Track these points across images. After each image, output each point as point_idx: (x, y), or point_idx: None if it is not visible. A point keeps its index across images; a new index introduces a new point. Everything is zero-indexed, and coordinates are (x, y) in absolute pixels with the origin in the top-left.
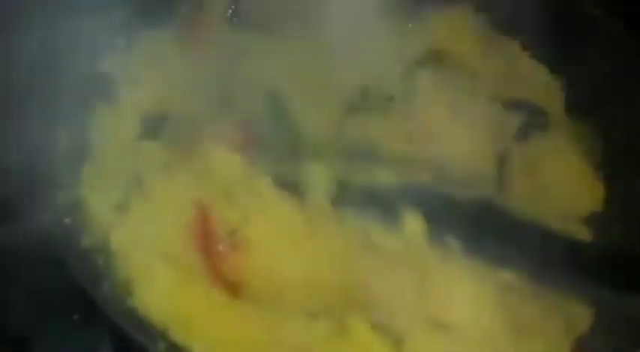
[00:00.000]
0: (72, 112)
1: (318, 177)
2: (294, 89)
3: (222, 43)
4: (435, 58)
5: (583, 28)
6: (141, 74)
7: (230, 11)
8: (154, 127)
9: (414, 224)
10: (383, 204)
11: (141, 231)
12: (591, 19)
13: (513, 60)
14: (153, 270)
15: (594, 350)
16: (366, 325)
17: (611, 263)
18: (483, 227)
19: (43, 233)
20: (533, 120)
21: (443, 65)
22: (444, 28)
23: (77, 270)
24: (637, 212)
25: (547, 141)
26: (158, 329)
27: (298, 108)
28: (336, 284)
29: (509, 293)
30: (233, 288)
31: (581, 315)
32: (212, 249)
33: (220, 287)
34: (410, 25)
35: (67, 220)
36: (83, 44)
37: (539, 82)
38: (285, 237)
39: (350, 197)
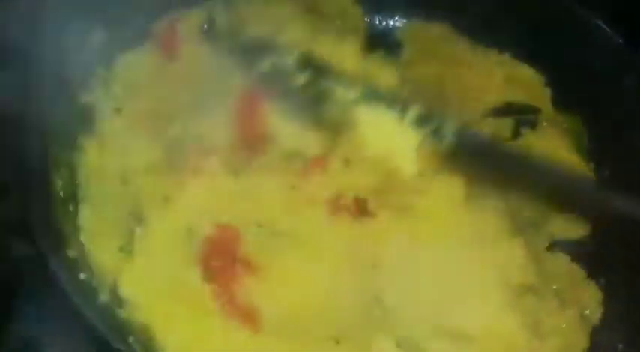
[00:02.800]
0: (60, 149)
1: None
2: None
3: (199, 58)
4: None
5: (564, 24)
6: (123, 102)
7: (205, 26)
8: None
9: None
10: None
11: (150, 274)
12: (571, 14)
13: (496, 66)
14: (170, 315)
15: (609, 341)
16: (390, 343)
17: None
18: None
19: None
20: (524, 118)
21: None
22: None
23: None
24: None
25: (537, 138)
26: None
27: None
28: (355, 303)
29: (522, 295)
30: (250, 318)
31: (592, 302)
32: (227, 273)
33: (237, 316)
34: None
35: (81, 276)
36: (63, 76)
37: (525, 82)
38: (301, 255)
39: None
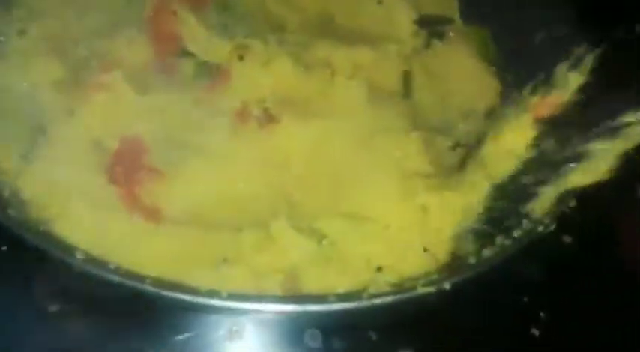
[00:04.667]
0: None
1: None
2: None
3: None
4: None
5: None
6: (28, 25)
7: None
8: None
9: None
10: None
11: (51, 178)
12: None
13: None
14: (70, 210)
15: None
16: (289, 230)
17: None
18: None
19: None
20: (434, 31)
21: None
22: None
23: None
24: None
25: (447, 48)
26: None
27: None
28: (260, 197)
29: (417, 181)
30: (152, 214)
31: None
32: (131, 179)
33: (140, 213)
34: None
35: None
36: None
37: None
38: (207, 162)
39: None
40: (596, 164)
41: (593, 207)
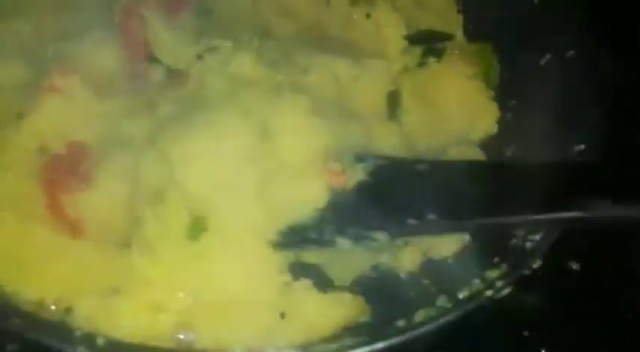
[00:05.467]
0: None
1: None
2: None
3: None
4: None
5: None
6: None
7: None
8: None
9: None
10: None
11: None
12: None
13: None
14: None
15: None
16: None
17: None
18: None
19: None
20: (431, 48)
21: None
22: None
23: None
24: (530, 130)
25: (443, 66)
26: None
27: None
28: None
29: None
30: (74, 226)
31: None
32: (61, 185)
33: (62, 224)
34: None
35: None
36: None
37: (437, 8)
38: None
39: None
40: None
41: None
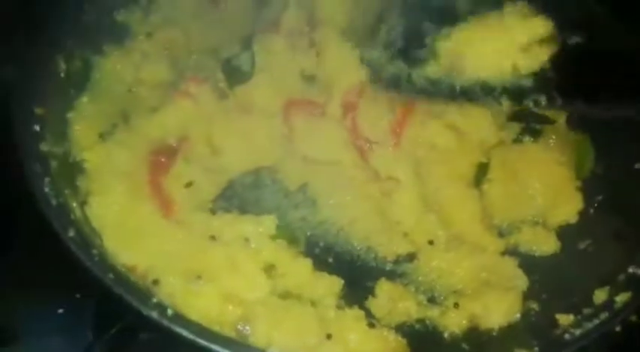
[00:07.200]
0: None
1: None
2: None
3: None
4: None
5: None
6: (156, 29)
7: None
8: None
9: None
10: None
11: (111, 155)
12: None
13: None
14: (107, 185)
15: None
16: None
17: None
18: None
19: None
20: (530, 127)
21: None
22: None
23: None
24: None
25: (535, 148)
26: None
27: None
28: None
29: None
30: (166, 205)
31: None
32: (164, 167)
33: (157, 199)
34: None
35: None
36: None
37: None
38: None
39: None
40: None
41: None
